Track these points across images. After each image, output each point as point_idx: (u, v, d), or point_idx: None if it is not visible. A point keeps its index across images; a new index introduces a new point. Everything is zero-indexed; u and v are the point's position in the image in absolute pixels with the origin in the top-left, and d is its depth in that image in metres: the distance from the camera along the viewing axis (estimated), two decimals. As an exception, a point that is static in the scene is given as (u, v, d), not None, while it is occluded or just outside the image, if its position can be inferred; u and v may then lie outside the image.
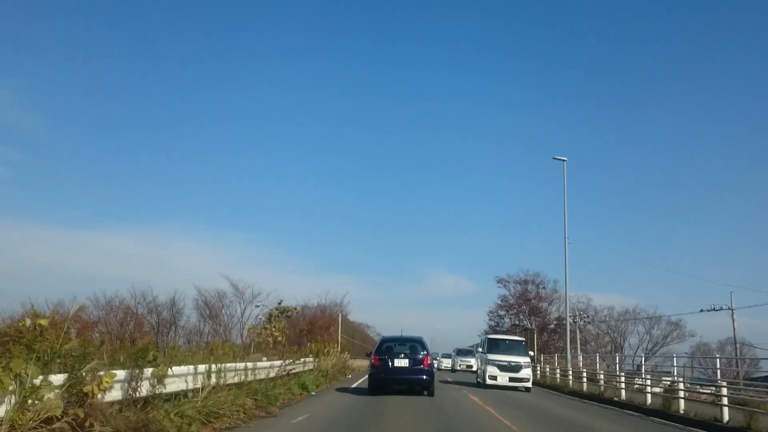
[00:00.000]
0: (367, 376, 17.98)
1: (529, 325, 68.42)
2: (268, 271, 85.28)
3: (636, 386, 19.57)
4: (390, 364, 17.03)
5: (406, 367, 17.04)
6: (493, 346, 24.86)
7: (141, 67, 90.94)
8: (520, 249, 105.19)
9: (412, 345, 17.99)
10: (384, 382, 17.23)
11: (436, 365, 51.40)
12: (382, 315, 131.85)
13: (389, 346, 18.09)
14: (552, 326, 65.92)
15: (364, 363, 43.03)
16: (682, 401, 15.33)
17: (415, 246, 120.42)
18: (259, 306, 37.27)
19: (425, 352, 17.60)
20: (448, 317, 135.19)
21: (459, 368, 43.45)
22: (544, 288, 68.75)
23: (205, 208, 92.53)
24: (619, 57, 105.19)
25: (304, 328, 35.17)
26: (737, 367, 28.00)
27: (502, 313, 72.33)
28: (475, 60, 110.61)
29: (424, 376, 17.14)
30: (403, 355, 17.36)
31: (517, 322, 70.31)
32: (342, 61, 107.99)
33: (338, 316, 29.51)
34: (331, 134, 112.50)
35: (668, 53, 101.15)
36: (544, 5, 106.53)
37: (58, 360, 6.94)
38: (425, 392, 17.22)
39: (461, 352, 47.99)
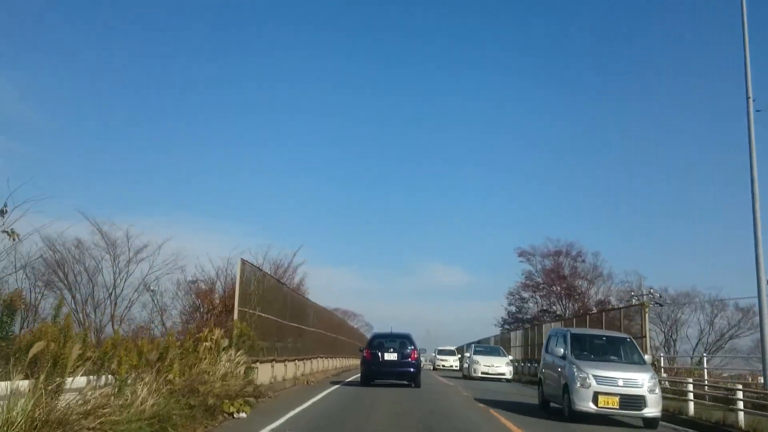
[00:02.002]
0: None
1: (561, 311, 52.94)
2: (260, 260, 75.63)
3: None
4: (380, 357, 18.53)
5: (395, 361, 18.56)
6: None
7: (145, 62, 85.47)
8: (537, 225, 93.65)
9: (401, 341, 19.37)
10: (375, 374, 18.67)
11: None
12: (378, 306, 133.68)
13: (380, 342, 19.39)
14: (593, 312, 50.18)
15: (326, 365, 27.29)
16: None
17: (412, 238, 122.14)
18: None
19: (412, 347, 19.15)
20: (448, 309, 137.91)
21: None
22: (582, 261, 53.03)
23: (203, 200, 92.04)
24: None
25: (213, 307, 19.46)
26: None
27: (525, 294, 56.71)
28: (474, 57, 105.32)
29: (411, 369, 18.71)
30: (392, 349, 18.76)
31: (546, 307, 54.66)
32: (340, 56, 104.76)
33: (239, 265, 12.99)
34: (331, 131, 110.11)
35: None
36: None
37: None
38: (412, 384, 18.67)
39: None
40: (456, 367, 39.23)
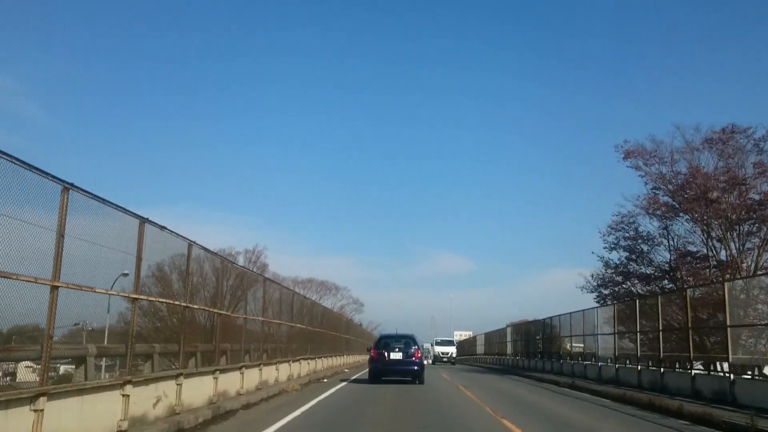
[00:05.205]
0: None
1: (728, 256, 25.93)
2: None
3: None
4: (387, 356, 20.48)
5: (400, 360, 20.47)
6: None
7: (148, 64, 73.83)
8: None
9: (406, 341, 21.12)
10: (381, 372, 20.59)
11: None
12: (384, 296, 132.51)
13: (386, 342, 21.19)
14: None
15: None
16: None
17: (417, 227, 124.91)
18: None
19: (416, 347, 20.98)
20: (457, 298, 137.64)
21: None
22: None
23: (210, 193, 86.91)
24: None
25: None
26: None
27: (643, 230, 29.38)
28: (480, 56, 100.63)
29: (415, 367, 20.54)
30: (397, 349, 20.64)
31: (694, 248, 27.55)
32: (349, 57, 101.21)
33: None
34: (339, 129, 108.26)
35: None
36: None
37: None
38: (416, 381, 20.47)
39: None
40: None
